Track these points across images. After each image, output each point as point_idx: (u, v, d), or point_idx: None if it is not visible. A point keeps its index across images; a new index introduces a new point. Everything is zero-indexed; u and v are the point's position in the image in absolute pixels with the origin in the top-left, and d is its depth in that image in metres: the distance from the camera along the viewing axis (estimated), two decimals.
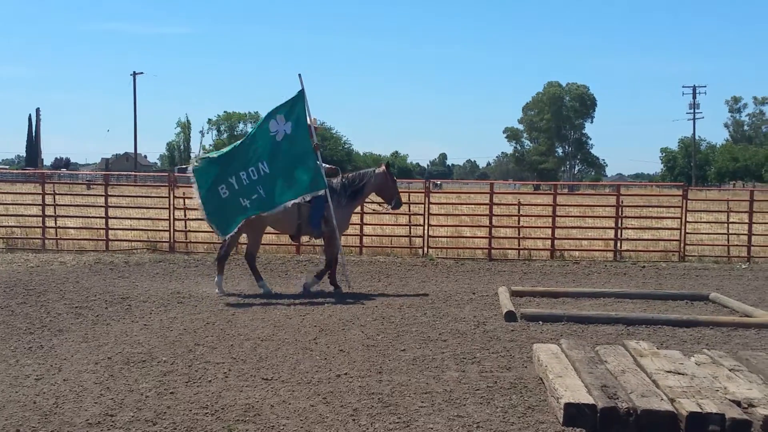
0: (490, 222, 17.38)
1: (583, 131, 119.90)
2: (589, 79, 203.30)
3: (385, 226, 18.34)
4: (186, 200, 18.05)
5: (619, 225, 17.51)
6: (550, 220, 17.65)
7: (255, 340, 8.28)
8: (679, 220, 17.44)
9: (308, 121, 11.82)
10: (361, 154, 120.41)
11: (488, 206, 17.53)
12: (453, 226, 18.79)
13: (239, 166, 11.34)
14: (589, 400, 5.43)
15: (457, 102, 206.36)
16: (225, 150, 11.71)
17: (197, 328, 8.85)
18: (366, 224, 17.51)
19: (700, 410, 5.18)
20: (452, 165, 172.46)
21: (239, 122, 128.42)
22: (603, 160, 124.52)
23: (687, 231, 17.41)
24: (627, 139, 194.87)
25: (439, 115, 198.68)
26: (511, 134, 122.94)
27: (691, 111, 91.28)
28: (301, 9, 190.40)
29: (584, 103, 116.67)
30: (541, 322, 9.43)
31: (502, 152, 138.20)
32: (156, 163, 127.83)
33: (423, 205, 17.33)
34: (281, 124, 11.60)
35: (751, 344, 8.43)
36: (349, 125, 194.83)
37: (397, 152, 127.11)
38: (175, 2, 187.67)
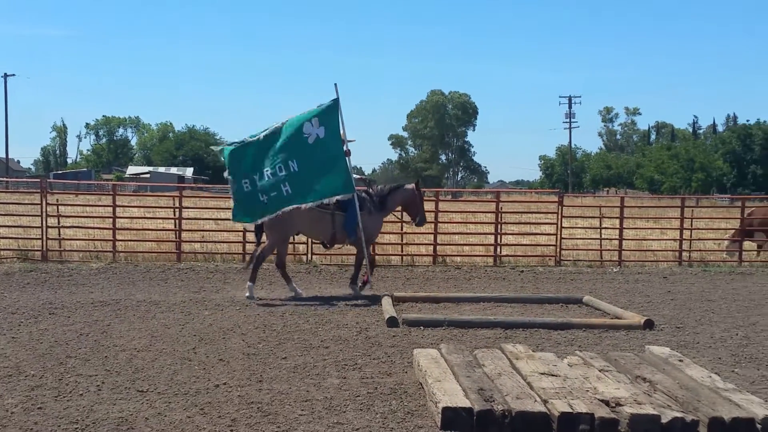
0: None
1: (466, 139, 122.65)
2: (470, 88, 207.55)
3: None
4: (60, 207, 17.42)
5: (499, 231, 17.94)
6: (432, 226, 17.88)
7: (131, 351, 8.04)
8: (555, 225, 18.02)
9: (341, 130, 12.06)
10: None
11: None
12: None
13: (265, 162, 11.63)
14: (466, 404, 5.53)
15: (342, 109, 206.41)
16: (253, 140, 11.82)
17: (69, 340, 8.52)
18: (249, 231, 17.29)
19: (570, 410, 5.35)
20: None
21: (119, 127, 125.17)
22: (485, 167, 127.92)
23: (562, 236, 18.00)
24: (508, 147, 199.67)
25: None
26: (396, 141, 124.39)
27: (567, 120, 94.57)
28: (180, 12, 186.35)
29: (466, 111, 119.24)
30: (422, 327, 9.53)
31: (388, 159, 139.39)
32: (30, 169, 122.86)
33: None
34: (315, 128, 11.81)
35: (620, 345, 8.78)
36: (238, 133, 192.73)
37: None
38: (50, 2, 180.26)
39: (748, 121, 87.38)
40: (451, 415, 5.46)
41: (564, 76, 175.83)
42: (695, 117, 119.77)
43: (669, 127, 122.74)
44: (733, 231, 19.47)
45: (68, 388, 6.56)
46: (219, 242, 17.66)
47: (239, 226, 16.98)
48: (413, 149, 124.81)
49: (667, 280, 15.37)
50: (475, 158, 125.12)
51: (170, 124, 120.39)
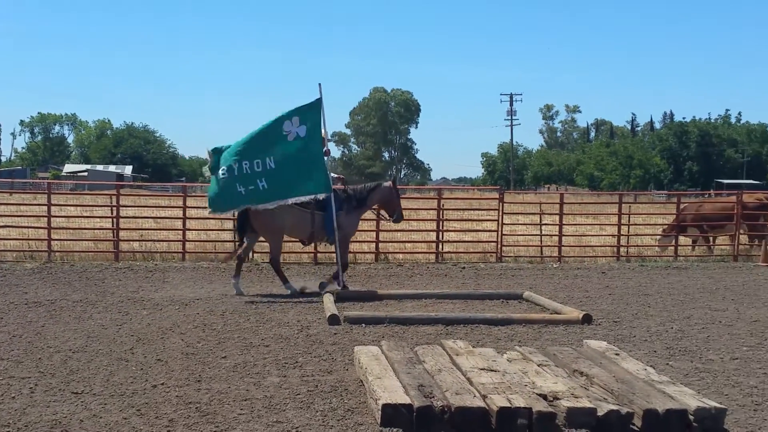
0: None
1: (409, 136, 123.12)
2: (412, 86, 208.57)
3: (209, 231, 17.93)
4: None
5: (441, 228, 18.03)
6: (374, 223, 17.87)
7: (66, 352, 7.87)
8: (496, 222, 18.14)
9: (322, 130, 12.22)
10: (187, 158, 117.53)
11: None
12: None
13: (245, 155, 11.72)
14: (406, 400, 5.53)
15: (285, 107, 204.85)
16: (240, 140, 12.00)
17: (1, 342, 8.30)
18: (189, 229, 17.10)
19: (509, 405, 5.39)
20: None
21: (55, 124, 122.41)
22: (428, 164, 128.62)
23: (503, 233, 18.14)
24: (450, 144, 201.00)
25: (267, 119, 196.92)
26: (339, 139, 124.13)
27: (509, 118, 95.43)
28: (116, 8, 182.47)
29: (409, 109, 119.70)
30: (364, 325, 9.53)
31: (331, 156, 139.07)
32: None
33: None
34: (294, 126, 11.96)
35: (559, 339, 8.89)
36: (173, 128, 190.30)
37: None
38: None
39: (684, 118, 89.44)
40: (390, 411, 5.45)
41: (505, 73, 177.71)
42: (633, 115, 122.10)
43: (608, 125, 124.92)
44: (666, 226, 19.93)
45: None
46: (158, 241, 17.40)
47: (178, 224, 16.88)
48: (356, 146, 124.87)
49: (606, 275, 15.62)
50: (418, 155, 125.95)
51: (108, 121, 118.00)
